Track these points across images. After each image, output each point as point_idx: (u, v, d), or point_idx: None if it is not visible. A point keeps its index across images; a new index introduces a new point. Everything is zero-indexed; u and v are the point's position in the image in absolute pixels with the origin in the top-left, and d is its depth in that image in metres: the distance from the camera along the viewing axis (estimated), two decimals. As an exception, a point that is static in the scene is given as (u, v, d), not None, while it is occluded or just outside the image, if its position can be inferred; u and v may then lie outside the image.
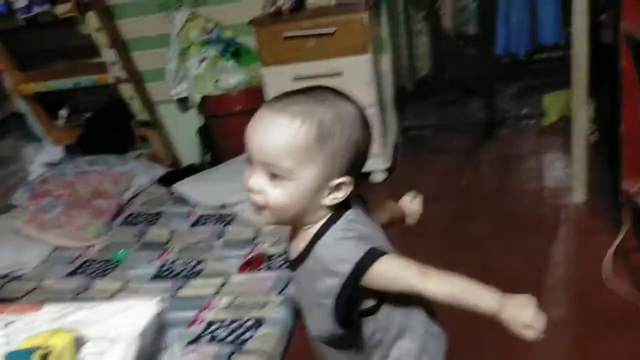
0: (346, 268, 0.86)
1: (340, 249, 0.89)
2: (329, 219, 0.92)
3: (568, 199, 2.43)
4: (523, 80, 3.55)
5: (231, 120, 3.10)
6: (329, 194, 0.90)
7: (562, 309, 1.87)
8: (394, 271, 0.87)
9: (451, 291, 0.86)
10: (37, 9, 2.89)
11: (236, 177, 3.03)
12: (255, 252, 2.35)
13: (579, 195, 2.40)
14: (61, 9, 2.92)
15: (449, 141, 3.36)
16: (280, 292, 2.05)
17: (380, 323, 0.96)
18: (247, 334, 1.86)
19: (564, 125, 3.03)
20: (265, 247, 2.37)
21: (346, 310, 0.90)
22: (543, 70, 3.50)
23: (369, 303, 0.94)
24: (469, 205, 2.61)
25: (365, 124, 0.92)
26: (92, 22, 2.98)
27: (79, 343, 0.77)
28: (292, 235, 0.98)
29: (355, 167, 0.91)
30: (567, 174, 2.62)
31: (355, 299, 0.91)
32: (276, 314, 1.93)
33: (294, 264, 0.97)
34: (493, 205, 2.57)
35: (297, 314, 1.92)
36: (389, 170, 2.97)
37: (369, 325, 0.96)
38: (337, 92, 0.93)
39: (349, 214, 0.93)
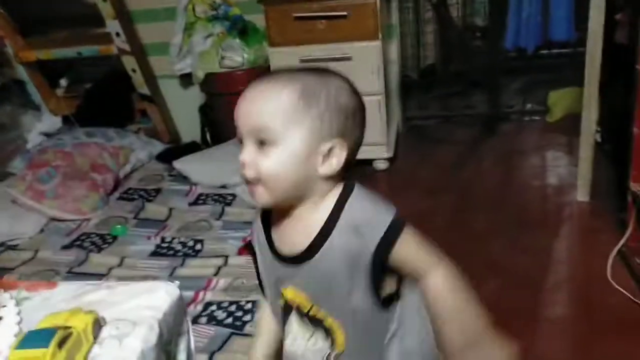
0: (385, 222, 0.84)
1: (375, 205, 0.87)
2: (344, 188, 0.88)
3: (572, 197, 2.42)
4: (529, 74, 3.53)
5: (234, 99, 3.01)
6: (323, 161, 0.86)
7: (564, 307, 1.86)
8: (416, 243, 0.86)
9: (452, 296, 0.86)
10: (42, -25, 2.84)
11: (237, 158, 2.99)
12: (255, 234, 2.33)
13: (583, 193, 2.39)
14: (67, -24, 2.87)
15: (451, 133, 3.34)
16: (280, 276, 2.03)
17: (396, 313, 0.93)
18: (246, 317, 1.84)
19: (568, 123, 3.03)
20: (266, 229, 2.34)
21: (378, 283, 0.87)
22: (550, 66, 3.48)
23: (391, 286, 0.91)
24: (471, 199, 2.60)
25: (353, 92, 0.90)
26: (97, -9, 2.92)
27: (99, 324, 0.75)
28: (279, 223, 0.91)
29: (346, 134, 0.87)
30: (570, 172, 2.61)
31: (385, 268, 0.87)
32: (276, 298, 1.92)
33: (299, 257, 0.88)
34: (495, 199, 2.55)
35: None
36: (391, 160, 2.95)
37: (385, 315, 0.92)
38: (323, 69, 0.92)
39: (359, 187, 0.89)
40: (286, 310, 0.96)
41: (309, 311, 0.92)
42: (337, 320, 0.91)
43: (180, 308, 0.82)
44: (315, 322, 0.92)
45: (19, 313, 0.78)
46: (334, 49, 2.66)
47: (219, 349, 1.72)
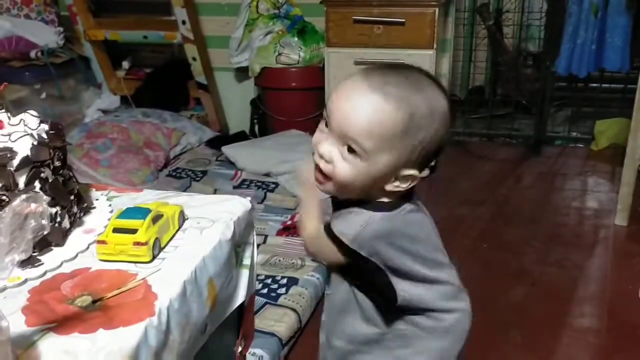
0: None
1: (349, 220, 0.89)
2: (386, 204, 0.90)
3: (610, 220, 2.45)
4: (577, 105, 3.55)
5: (286, 95, 3.17)
6: (394, 181, 0.87)
7: (591, 319, 1.88)
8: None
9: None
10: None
11: (284, 149, 3.06)
12: (294, 220, 2.41)
13: (621, 218, 2.41)
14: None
15: (494, 151, 3.39)
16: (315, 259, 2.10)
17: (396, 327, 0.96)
18: (281, 290, 1.91)
19: (613, 152, 3.06)
20: (305, 217, 2.42)
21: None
22: (599, 99, 3.49)
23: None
24: (507, 212, 2.64)
25: (452, 119, 0.90)
26: (169, -21, 3.08)
27: (183, 216, 0.84)
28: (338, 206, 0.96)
29: (429, 161, 0.89)
30: (610, 198, 2.63)
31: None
32: (310, 277, 1.99)
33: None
34: (532, 214, 2.59)
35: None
36: (430, 168, 3.00)
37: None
38: (432, 79, 0.90)
39: (406, 207, 0.91)
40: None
41: None
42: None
43: (249, 220, 0.90)
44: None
45: (110, 205, 0.87)
46: (388, 54, 2.75)
47: (254, 313, 1.79)
